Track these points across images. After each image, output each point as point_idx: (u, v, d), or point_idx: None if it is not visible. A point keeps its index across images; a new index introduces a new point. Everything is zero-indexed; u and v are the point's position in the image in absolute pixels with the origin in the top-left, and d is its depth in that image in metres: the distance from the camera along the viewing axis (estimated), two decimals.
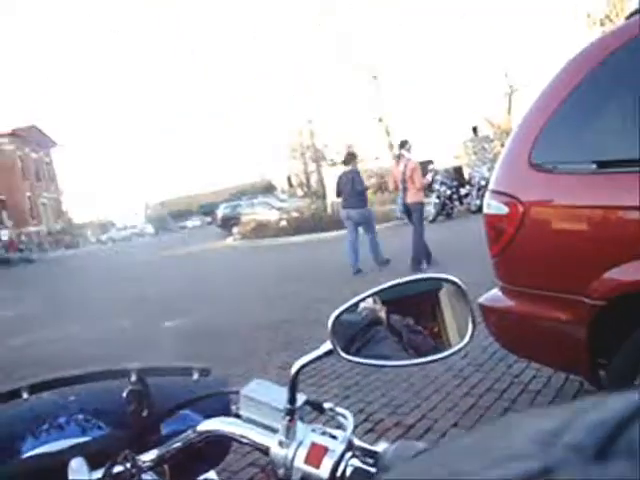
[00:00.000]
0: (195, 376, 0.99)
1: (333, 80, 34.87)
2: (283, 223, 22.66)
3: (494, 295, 2.95)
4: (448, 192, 18.28)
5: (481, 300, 2.98)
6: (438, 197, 18.16)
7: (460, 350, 0.87)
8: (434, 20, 36.96)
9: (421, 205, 9.83)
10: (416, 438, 3.14)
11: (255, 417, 0.83)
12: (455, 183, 18.96)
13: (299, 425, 0.80)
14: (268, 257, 16.68)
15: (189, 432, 0.86)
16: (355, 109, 37.35)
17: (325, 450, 0.77)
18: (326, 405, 0.87)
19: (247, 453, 3.13)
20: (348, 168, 10.56)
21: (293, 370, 0.79)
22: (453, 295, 0.89)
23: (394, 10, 41.78)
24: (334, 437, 0.80)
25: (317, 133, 38.73)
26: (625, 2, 25.40)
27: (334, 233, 18.91)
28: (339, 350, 0.81)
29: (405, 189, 9.59)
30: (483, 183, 18.30)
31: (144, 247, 35.36)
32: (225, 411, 0.89)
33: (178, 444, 0.86)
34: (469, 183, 19.22)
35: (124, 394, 0.92)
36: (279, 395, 0.82)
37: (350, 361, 0.84)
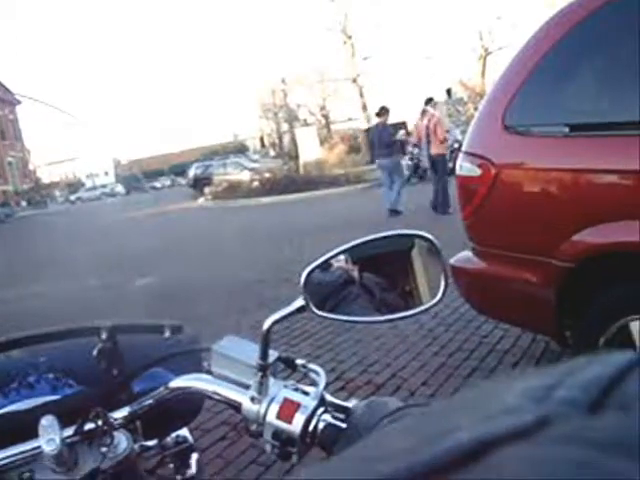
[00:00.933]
0: (167, 333, 0.97)
1: (307, 40, 34.27)
2: (255, 184, 22.52)
3: (465, 256, 2.98)
4: None
5: (452, 261, 3.01)
6: (411, 159, 18.12)
7: (432, 307, 0.86)
8: None
9: (443, 157, 10.81)
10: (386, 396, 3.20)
11: (227, 373, 0.82)
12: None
13: (271, 381, 0.80)
14: (240, 217, 16.60)
15: (161, 389, 0.86)
16: (329, 69, 36.92)
17: (297, 406, 0.77)
18: (298, 361, 0.87)
19: (219, 412, 3.16)
20: (381, 120, 11.50)
21: (265, 326, 0.78)
22: (426, 252, 0.88)
23: None
24: (306, 393, 0.80)
25: (290, 93, 38.33)
26: None
27: (307, 194, 18.91)
28: (312, 306, 0.80)
29: (429, 142, 10.64)
30: (456, 146, 18.29)
31: (114, 207, 34.92)
32: (197, 368, 0.89)
33: (150, 401, 0.86)
34: None
35: (95, 352, 0.91)
36: (251, 351, 0.81)
37: (322, 317, 0.83)
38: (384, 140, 11.10)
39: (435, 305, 0.86)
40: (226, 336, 0.86)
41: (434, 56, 34.58)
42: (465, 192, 2.86)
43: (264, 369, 0.79)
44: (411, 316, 0.88)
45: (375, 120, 12.25)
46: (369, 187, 19.10)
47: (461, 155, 2.89)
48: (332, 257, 0.84)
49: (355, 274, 0.89)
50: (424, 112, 10.99)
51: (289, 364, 0.87)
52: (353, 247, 0.84)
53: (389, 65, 40.35)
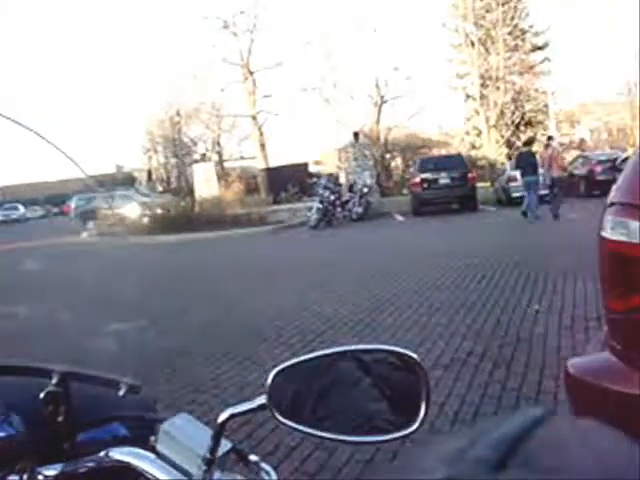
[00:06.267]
0: (122, 391, 0.88)
1: (204, 71, 33.28)
2: (146, 220, 20.98)
3: (601, 361, 1.95)
4: (332, 197, 17.50)
5: (570, 365, 1.98)
6: (321, 202, 17.23)
7: (407, 436, 0.73)
8: (312, 28, 36.85)
9: (560, 179, 14.56)
10: None
11: (172, 456, 0.77)
12: (338, 188, 18.32)
13: (216, 475, 0.75)
14: (131, 258, 14.59)
15: (101, 454, 0.80)
16: (227, 104, 36.01)
17: None
18: (252, 458, 0.82)
19: None
20: (526, 149, 16.36)
21: (220, 419, 0.74)
22: (406, 370, 0.76)
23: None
24: None
25: (184, 127, 36.92)
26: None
27: (208, 234, 17.52)
28: (275, 412, 0.74)
29: (550, 167, 14.34)
30: (365, 190, 17.93)
31: None
32: (145, 436, 0.81)
33: (86, 466, 0.81)
34: (351, 190, 18.63)
35: (42, 394, 0.86)
36: (203, 437, 0.76)
37: (284, 424, 0.75)
38: (533, 162, 14.65)
39: (412, 434, 0.73)
40: (180, 413, 0.81)
41: (332, 99, 34.32)
42: (620, 266, 1.83)
43: (210, 463, 0.74)
44: (381, 442, 0.78)
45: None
46: (280, 228, 17.93)
47: (612, 209, 1.87)
48: (305, 361, 0.78)
49: (326, 380, 0.77)
50: (547, 146, 15.16)
51: (242, 459, 0.82)
52: (327, 355, 0.78)
53: (290, 105, 40.11)
